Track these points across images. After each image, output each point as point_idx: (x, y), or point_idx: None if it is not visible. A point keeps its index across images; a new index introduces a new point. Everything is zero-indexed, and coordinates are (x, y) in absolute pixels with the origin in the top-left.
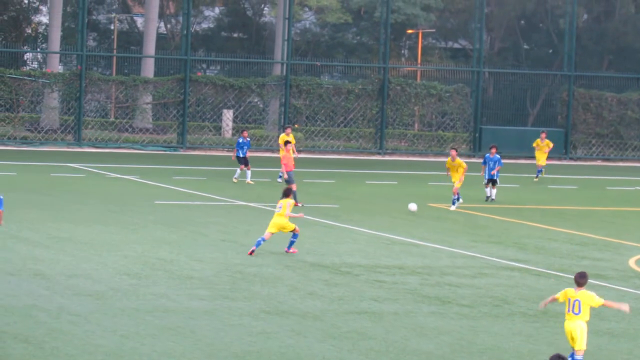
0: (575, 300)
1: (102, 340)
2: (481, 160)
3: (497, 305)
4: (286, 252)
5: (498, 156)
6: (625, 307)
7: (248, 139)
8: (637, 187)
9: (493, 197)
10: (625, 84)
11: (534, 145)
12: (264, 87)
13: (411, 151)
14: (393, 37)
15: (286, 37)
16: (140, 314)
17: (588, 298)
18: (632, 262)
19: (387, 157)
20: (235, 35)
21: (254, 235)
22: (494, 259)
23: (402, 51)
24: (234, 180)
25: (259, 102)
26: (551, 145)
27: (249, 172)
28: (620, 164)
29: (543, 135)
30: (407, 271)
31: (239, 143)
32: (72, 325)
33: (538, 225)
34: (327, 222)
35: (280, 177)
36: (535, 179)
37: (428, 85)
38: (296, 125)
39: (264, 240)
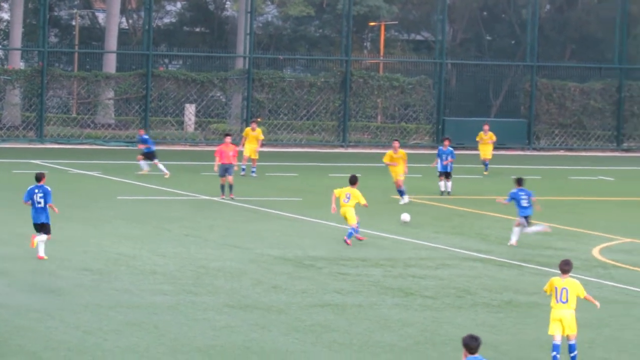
0: (562, 289)
1: (65, 336)
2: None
3: (460, 296)
4: (345, 240)
5: (451, 149)
6: (597, 303)
7: (145, 135)
8: (600, 177)
9: (449, 189)
10: (588, 73)
11: (477, 139)
12: (226, 81)
13: (374, 143)
14: (355, 30)
15: (248, 31)
16: (103, 309)
17: (576, 287)
18: (595, 252)
19: (350, 150)
20: (197, 29)
21: (217, 230)
22: (457, 250)
23: (365, 44)
24: (140, 173)
25: (221, 97)
26: (494, 137)
27: (142, 163)
28: (583, 153)
29: (486, 127)
30: (371, 263)
31: (143, 140)
32: (35, 322)
33: (501, 216)
34: (291, 215)
35: (244, 169)
36: (485, 173)
37: (391, 78)
38: (259, 119)
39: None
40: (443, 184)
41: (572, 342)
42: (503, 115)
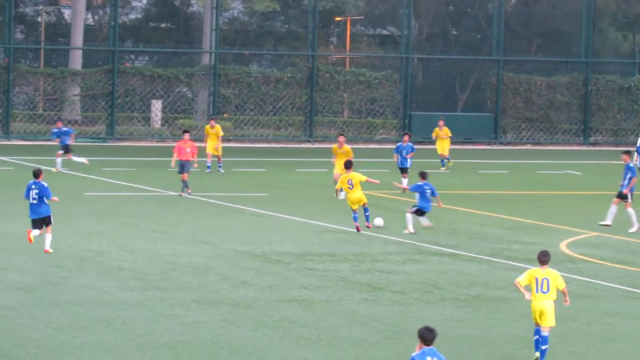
0: (543, 279)
1: (34, 333)
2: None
3: (428, 291)
4: (367, 227)
5: (411, 144)
6: (569, 300)
7: (63, 128)
8: (567, 171)
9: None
10: (554, 67)
11: (434, 135)
12: (192, 77)
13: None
14: (321, 25)
15: (214, 27)
16: (72, 306)
17: (556, 277)
18: (563, 246)
19: (316, 145)
20: (163, 25)
21: (184, 226)
22: (425, 244)
23: (331, 39)
24: (55, 170)
25: (187, 92)
26: (449, 133)
27: (58, 160)
28: (550, 147)
29: (441, 123)
30: (339, 258)
31: (61, 133)
32: (4, 319)
33: (469, 210)
34: (258, 210)
35: (209, 166)
36: (442, 169)
37: (357, 73)
38: (225, 115)
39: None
40: (405, 181)
41: (546, 334)
42: (470, 109)
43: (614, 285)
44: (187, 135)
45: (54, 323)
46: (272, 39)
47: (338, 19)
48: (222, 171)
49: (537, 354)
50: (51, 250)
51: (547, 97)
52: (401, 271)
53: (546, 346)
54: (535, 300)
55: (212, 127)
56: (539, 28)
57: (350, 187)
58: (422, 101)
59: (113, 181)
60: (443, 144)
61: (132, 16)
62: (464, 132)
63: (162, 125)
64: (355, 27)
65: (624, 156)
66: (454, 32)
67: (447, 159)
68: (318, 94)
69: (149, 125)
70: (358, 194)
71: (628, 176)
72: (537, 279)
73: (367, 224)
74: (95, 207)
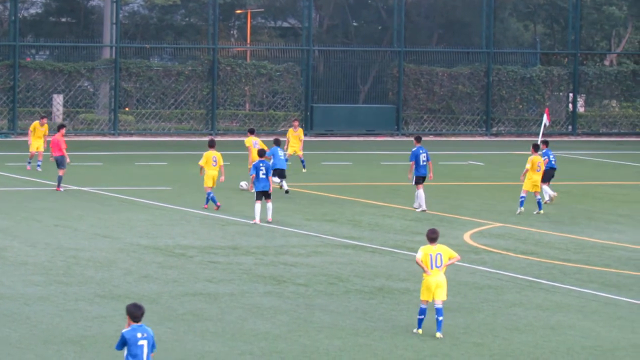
0: (437, 254)
1: None
2: (313, 139)
3: (333, 283)
4: (216, 209)
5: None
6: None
7: None
8: (470, 162)
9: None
10: (455, 58)
11: (288, 136)
12: (93, 71)
13: (243, 131)
14: (222, 18)
15: (114, 21)
16: None
17: (447, 251)
18: (466, 237)
19: (218, 138)
20: (64, 19)
21: (87, 220)
22: (329, 236)
23: (232, 31)
24: None
25: (89, 86)
26: (302, 137)
27: None
28: (453, 138)
29: (295, 123)
30: (242, 251)
31: None
32: None
33: (372, 202)
34: (160, 204)
35: (39, 165)
36: (304, 170)
37: (258, 65)
38: (127, 109)
39: (210, 194)
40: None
41: (440, 306)
42: (371, 101)
43: (518, 276)
44: (63, 130)
45: None
46: (172, 33)
47: (239, 11)
48: (40, 170)
49: (439, 334)
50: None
51: (449, 88)
52: (305, 263)
53: (442, 317)
54: (432, 275)
55: (42, 125)
56: (440, 19)
57: (214, 164)
58: (323, 93)
59: (15, 176)
60: (298, 144)
61: (32, 11)
62: (366, 123)
63: (64, 119)
64: (255, 19)
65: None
66: (355, 24)
67: (303, 160)
68: (219, 87)
69: (51, 119)
70: (217, 173)
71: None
72: (431, 255)
73: (214, 206)
74: None
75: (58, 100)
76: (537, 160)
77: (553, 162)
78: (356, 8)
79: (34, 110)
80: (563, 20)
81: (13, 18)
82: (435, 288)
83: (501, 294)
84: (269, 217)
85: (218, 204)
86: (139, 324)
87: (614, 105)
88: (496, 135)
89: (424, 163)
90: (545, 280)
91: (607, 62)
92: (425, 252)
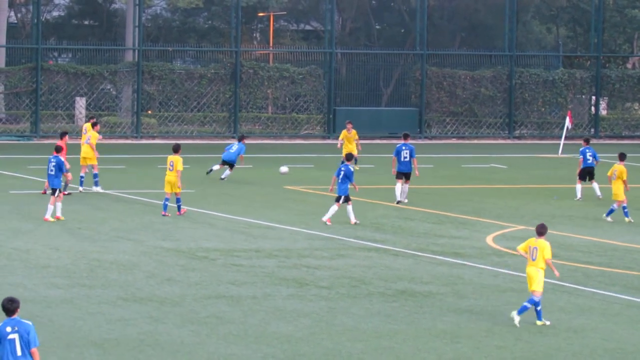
0: (533, 248)
1: None
2: (335, 142)
3: (355, 286)
4: (178, 214)
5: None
6: (557, 272)
7: None
8: (493, 165)
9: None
10: (478, 61)
11: (342, 137)
12: (116, 74)
13: (265, 134)
14: (244, 21)
15: (137, 23)
16: None
17: (544, 246)
18: (489, 240)
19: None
20: (87, 22)
21: (110, 223)
22: (352, 239)
23: (254, 34)
24: None
25: (111, 89)
26: (357, 137)
27: None
28: (475, 141)
29: (349, 125)
30: (265, 254)
31: None
32: None
33: (394, 205)
34: (183, 207)
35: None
36: (356, 168)
37: (281, 68)
38: (149, 112)
39: (167, 200)
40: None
41: (537, 298)
42: (394, 104)
43: None
44: (65, 138)
45: None
46: (195, 35)
47: (261, 14)
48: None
49: (538, 322)
50: (63, 218)
51: (472, 91)
52: (328, 266)
53: (538, 307)
54: (528, 265)
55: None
56: (462, 22)
57: (171, 168)
58: (346, 96)
59: (38, 179)
60: (353, 146)
61: (55, 14)
62: (389, 126)
63: (86, 122)
64: (278, 22)
65: None
66: (377, 27)
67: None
68: (242, 90)
69: (73, 122)
70: (174, 178)
71: None
72: (530, 247)
73: (177, 212)
74: (20, 206)
75: (81, 103)
76: (621, 170)
77: (589, 161)
78: (379, 11)
79: (56, 113)
80: (586, 23)
81: (36, 21)
82: (527, 279)
83: (524, 297)
84: (352, 220)
85: (183, 210)
86: (12, 317)
87: (636, 108)
88: (519, 138)
89: (406, 159)
90: (568, 283)
91: (629, 65)
92: (527, 243)
